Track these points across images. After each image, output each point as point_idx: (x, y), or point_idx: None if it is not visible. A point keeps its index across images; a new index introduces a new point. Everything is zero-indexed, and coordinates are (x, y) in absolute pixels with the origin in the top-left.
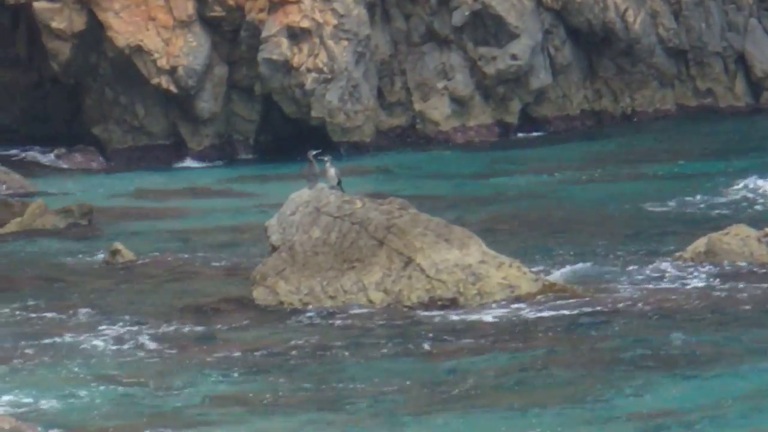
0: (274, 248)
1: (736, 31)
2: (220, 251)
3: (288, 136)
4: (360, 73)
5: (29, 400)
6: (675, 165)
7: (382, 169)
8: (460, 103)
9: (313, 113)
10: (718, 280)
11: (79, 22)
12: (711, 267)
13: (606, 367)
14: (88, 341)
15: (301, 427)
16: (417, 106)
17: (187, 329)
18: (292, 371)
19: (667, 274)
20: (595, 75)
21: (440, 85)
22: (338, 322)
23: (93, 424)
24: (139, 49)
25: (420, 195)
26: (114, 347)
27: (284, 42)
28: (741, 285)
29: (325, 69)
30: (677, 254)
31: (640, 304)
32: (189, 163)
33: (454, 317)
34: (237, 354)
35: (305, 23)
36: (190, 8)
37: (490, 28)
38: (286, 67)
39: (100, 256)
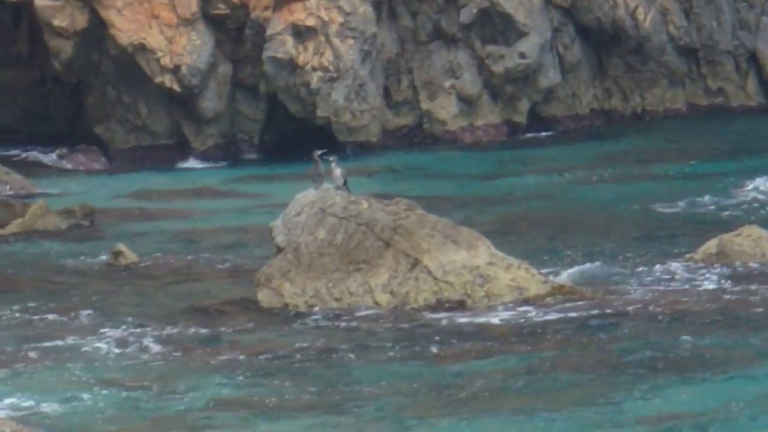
0: (279, 249)
1: (747, 29)
2: (225, 252)
3: (293, 136)
4: (366, 71)
5: (31, 403)
6: (686, 165)
7: (388, 170)
8: (467, 103)
9: (319, 112)
10: (729, 281)
11: (81, 20)
12: (722, 268)
13: (615, 370)
14: (91, 344)
15: (307, 430)
16: (424, 106)
17: (190, 332)
18: (297, 374)
19: (677, 276)
20: (604, 74)
21: (447, 84)
22: (344, 324)
23: (96, 428)
24: (142, 48)
25: (427, 195)
26: (117, 350)
27: (289, 40)
28: (753, 287)
29: (330, 68)
30: (688, 255)
31: (650, 306)
32: (192, 163)
33: (461, 320)
34: (242, 357)
35: (311, 21)
36: (194, 6)
37: (498, 26)
38: (291, 65)
39: (103, 257)
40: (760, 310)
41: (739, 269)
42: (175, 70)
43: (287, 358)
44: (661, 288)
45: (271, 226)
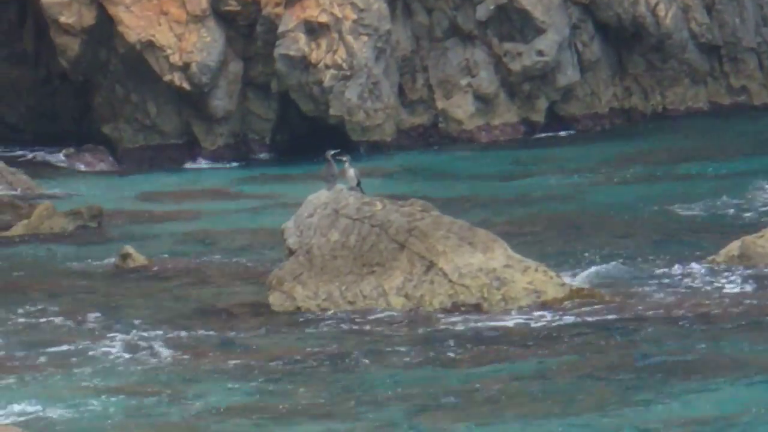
0: (291, 252)
1: None
2: (235, 255)
3: (305, 135)
4: (380, 69)
5: (38, 409)
6: (707, 165)
7: (403, 170)
8: (484, 101)
9: (332, 111)
10: (752, 284)
11: (88, 17)
12: (745, 271)
13: (635, 375)
14: (99, 348)
15: None
16: (439, 104)
17: (201, 336)
18: (310, 379)
19: (698, 279)
20: (624, 72)
21: (464, 82)
22: (357, 328)
23: None
24: (150, 45)
25: (443, 196)
26: (126, 354)
27: (302, 37)
28: None
29: (344, 65)
30: (710, 258)
31: (670, 310)
32: (202, 163)
33: (477, 323)
34: (253, 362)
35: (323, 18)
36: (204, 2)
37: (515, 23)
38: (303, 63)
39: (111, 260)
40: None
41: (764, 271)
42: (185, 68)
43: (300, 362)
44: (682, 291)
45: (283, 227)
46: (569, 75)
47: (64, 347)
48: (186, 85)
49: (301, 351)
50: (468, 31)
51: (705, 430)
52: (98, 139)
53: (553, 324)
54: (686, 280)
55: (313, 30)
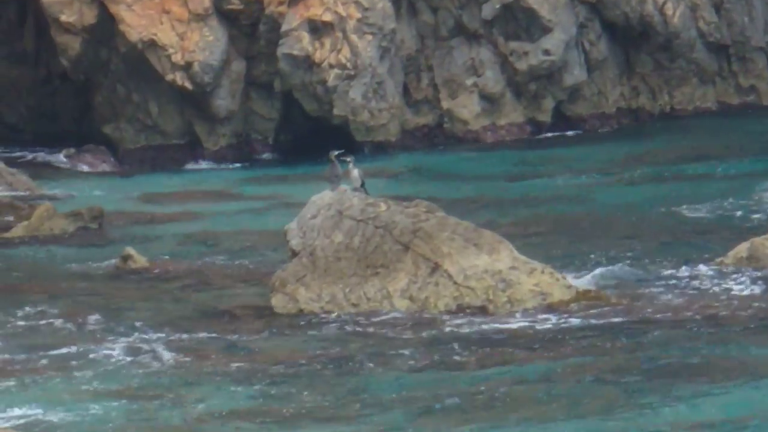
0: (294, 253)
1: None
2: (238, 256)
3: (309, 136)
4: (385, 69)
5: (38, 413)
6: (715, 166)
7: (407, 171)
8: (490, 101)
9: (336, 111)
10: (761, 286)
11: (89, 16)
12: (754, 273)
13: (642, 378)
14: (100, 351)
15: None
16: (445, 104)
17: (203, 338)
18: (314, 382)
19: (706, 281)
20: (632, 71)
21: (469, 81)
22: (361, 331)
23: None
24: (152, 44)
25: (448, 197)
26: (127, 357)
27: (305, 36)
28: None
29: (348, 65)
30: (718, 260)
31: (678, 312)
32: (204, 163)
33: (483, 326)
34: (256, 364)
35: (327, 16)
36: (206, 1)
37: (521, 22)
38: (307, 62)
39: (112, 261)
40: None
41: None
42: (187, 68)
43: (303, 365)
44: (690, 293)
45: (286, 229)
46: (576, 74)
47: (65, 350)
48: (188, 85)
49: (305, 354)
50: (473, 30)
51: None
52: (99, 139)
53: (560, 326)
54: (694, 282)
55: (317, 29)
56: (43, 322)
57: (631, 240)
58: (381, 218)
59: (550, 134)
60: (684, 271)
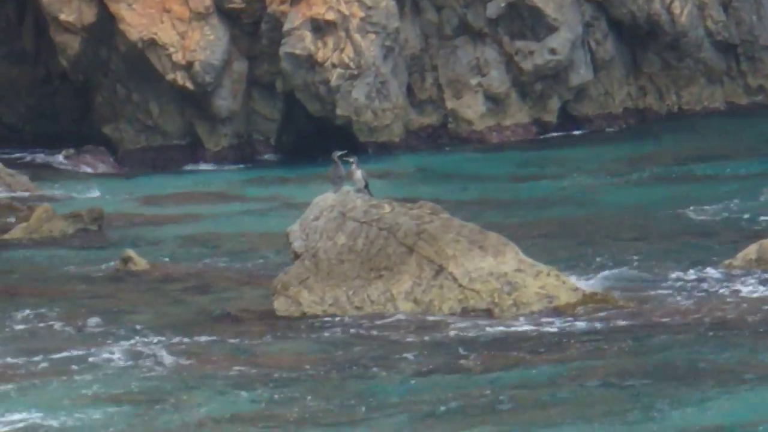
0: (297, 255)
1: None
2: (239, 259)
3: (311, 136)
4: (388, 68)
5: (37, 418)
6: (724, 166)
7: (411, 172)
8: (495, 101)
9: (339, 111)
10: None
11: (89, 15)
12: (763, 275)
13: (650, 382)
14: (100, 355)
15: None
16: (449, 104)
17: (204, 342)
18: (317, 386)
19: (715, 283)
20: (639, 71)
21: (474, 81)
22: (365, 334)
23: None
24: (153, 43)
25: (452, 199)
26: (127, 361)
27: (308, 35)
28: None
29: (351, 64)
30: (726, 262)
31: (686, 315)
32: (206, 164)
33: (488, 329)
34: (258, 368)
35: (330, 15)
36: None
37: (527, 21)
38: (309, 62)
39: (111, 264)
40: None
41: None
42: (188, 67)
43: (306, 369)
44: (698, 296)
45: (288, 231)
46: (582, 74)
47: (64, 354)
48: (189, 85)
49: (308, 357)
50: (478, 29)
51: None
52: (99, 139)
53: (566, 330)
54: (702, 285)
55: (320, 28)
56: (42, 325)
57: (638, 242)
58: (385, 220)
59: (556, 133)
60: (692, 274)
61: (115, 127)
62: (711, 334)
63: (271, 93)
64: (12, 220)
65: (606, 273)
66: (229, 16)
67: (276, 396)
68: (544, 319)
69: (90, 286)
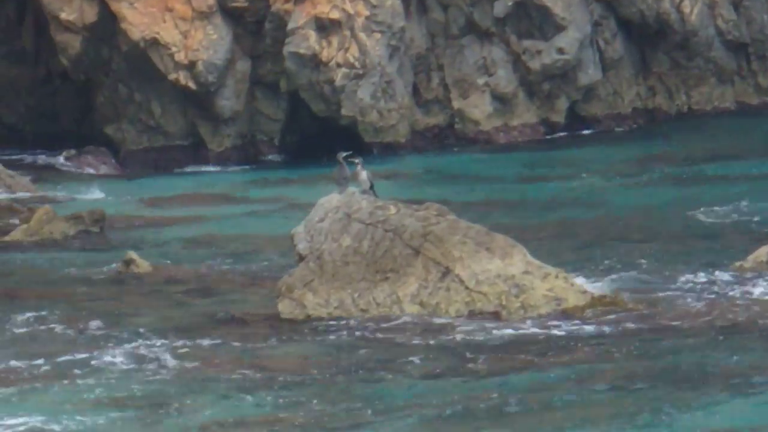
0: (301, 258)
1: None
2: (243, 261)
3: (316, 137)
4: (394, 68)
5: (39, 422)
6: (734, 167)
7: (417, 172)
8: (502, 101)
9: (344, 111)
10: None
11: (90, 13)
12: None
13: (659, 386)
14: (102, 358)
15: None
16: (456, 104)
17: (208, 345)
18: (322, 390)
19: (726, 285)
20: (648, 70)
21: (481, 81)
22: (370, 337)
23: None
24: (155, 43)
25: (459, 200)
26: (130, 365)
27: (312, 35)
28: None
29: (356, 64)
30: (737, 264)
31: (696, 318)
32: (209, 165)
33: (495, 332)
34: (263, 372)
35: (335, 14)
36: None
37: (534, 20)
38: (314, 61)
39: (113, 266)
40: None
41: None
42: (191, 67)
43: (311, 373)
44: (709, 298)
45: (293, 232)
46: (590, 74)
47: (66, 357)
48: (192, 85)
49: (313, 361)
50: (485, 28)
51: None
52: (100, 140)
53: (574, 333)
54: (713, 287)
55: (324, 27)
56: (43, 328)
57: (647, 243)
58: (390, 221)
59: (564, 133)
60: (702, 276)
61: (117, 127)
62: (721, 337)
63: (274, 93)
64: (12, 221)
65: (615, 275)
66: (232, 15)
67: (281, 400)
68: (552, 322)
69: (91, 289)
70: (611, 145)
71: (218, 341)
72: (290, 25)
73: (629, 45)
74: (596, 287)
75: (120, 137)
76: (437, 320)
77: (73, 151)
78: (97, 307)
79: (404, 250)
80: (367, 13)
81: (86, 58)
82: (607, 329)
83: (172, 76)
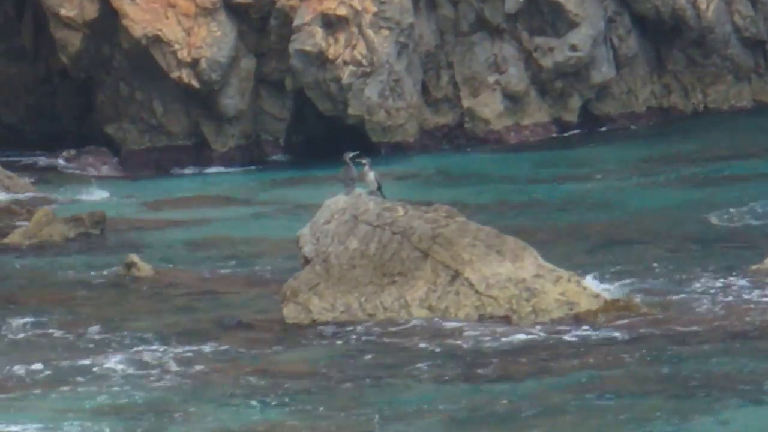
0: (307, 260)
1: None
2: (247, 264)
3: (322, 136)
4: (402, 66)
5: (37, 429)
6: (751, 167)
7: (426, 173)
8: (513, 100)
9: (351, 110)
10: None
11: (91, 10)
12: None
13: (674, 392)
14: (102, 364)
15: None
16: (465, 103)
17: (211, 350)
18: (329, 396)
19: (742, 290)
20: (663, 68)
21: (491, 79)
22: (378, 341)
23: None
24: (157, 40)
25: (468, 201)
26: (131, 371)
27: (318, 31)
28: None
29: (363, 61)
30: (754, 267)
31: (711, 323)
32: (212, 165)
33: (506, 337)
34: (268, 378)
35: (342, 10)
36: None
37: (546, 16)
38: (320, 59)
39: (114, 269)
40: None
41: None
42: (194, 65)
43: (317, 378)
44: (724, 302)
45: (298, 234)
46: (604, 71)
47: (65, 363)
48: (195, 83)
49: (319, 366)
50: (496, 25)
51: None
52: (101, 140)
53: (586, 338)
54: (728, 291)
55: (331, 23)
56: (41, 333)
57: (661, 246)
58: (398, 223)
59: (577, 131)
60: (717, 280)
61: (118, 126)
62: (737, 342)
63: (280, 91)
64: (10, 223)
65: (628, 278)
66: (236, 12)
67: (287, 406)
68: (564, 327)
69: (92, 293)
70: (625, 145)
71: (222, 346)
72: (296, 22)
73: (644, 42)
74: (609, 291)
75: (121, 137)
76: (446, 325)
77: (73, 152)
78: (98, 312)
79: (412, 252)
80: (375, 9)
81: (86, 56)
82: (619, 334)
83: (174, 74)
